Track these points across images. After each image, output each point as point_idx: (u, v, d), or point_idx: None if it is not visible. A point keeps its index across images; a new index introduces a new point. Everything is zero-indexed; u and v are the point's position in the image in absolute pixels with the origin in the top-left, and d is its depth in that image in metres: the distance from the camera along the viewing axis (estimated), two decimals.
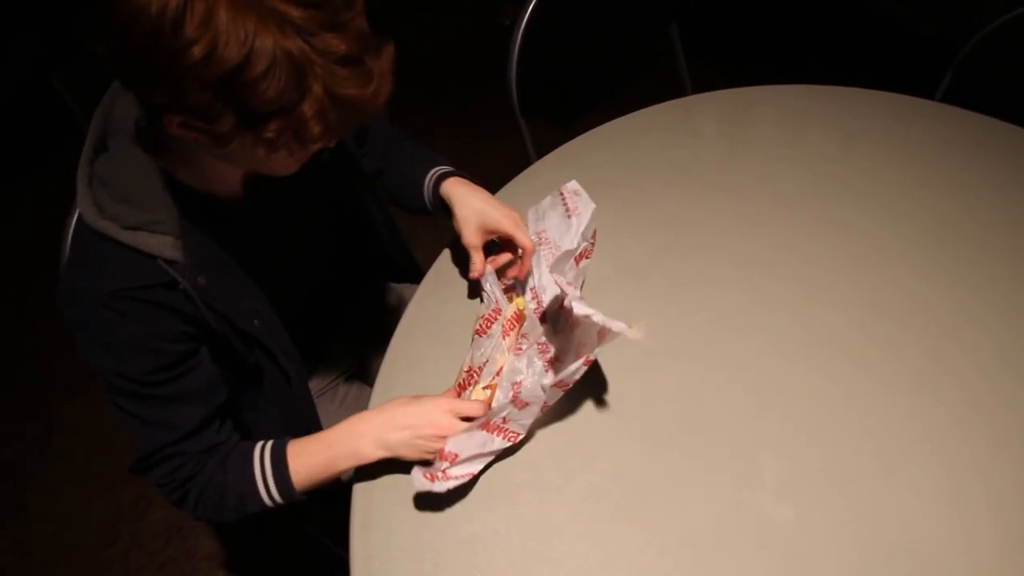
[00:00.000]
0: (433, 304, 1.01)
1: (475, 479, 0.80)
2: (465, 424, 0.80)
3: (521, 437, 0.82)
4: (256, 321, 0.81)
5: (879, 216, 1.09)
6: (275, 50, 0.53)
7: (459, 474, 0.77)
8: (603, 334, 0.77)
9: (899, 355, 0.92)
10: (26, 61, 2.51)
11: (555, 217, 0.95)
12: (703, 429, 0.86)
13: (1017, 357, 0.91)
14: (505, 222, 0.91)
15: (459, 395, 0.88)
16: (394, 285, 1.25)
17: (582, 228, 0.90)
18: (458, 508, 0.80)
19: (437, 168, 1.00)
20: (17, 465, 1.85)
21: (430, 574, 0.75)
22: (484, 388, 0.86)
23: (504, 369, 0.88)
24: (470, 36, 2.95)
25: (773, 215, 1.10)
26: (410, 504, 0.81)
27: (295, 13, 0.54)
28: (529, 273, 0.94)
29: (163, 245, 0.69)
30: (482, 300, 0.96)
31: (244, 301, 0.80)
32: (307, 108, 0.57)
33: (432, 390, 0.90)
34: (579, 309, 0.77)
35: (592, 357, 0.76)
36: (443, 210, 0.98)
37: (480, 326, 0.91)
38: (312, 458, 0.80)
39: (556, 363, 0.88)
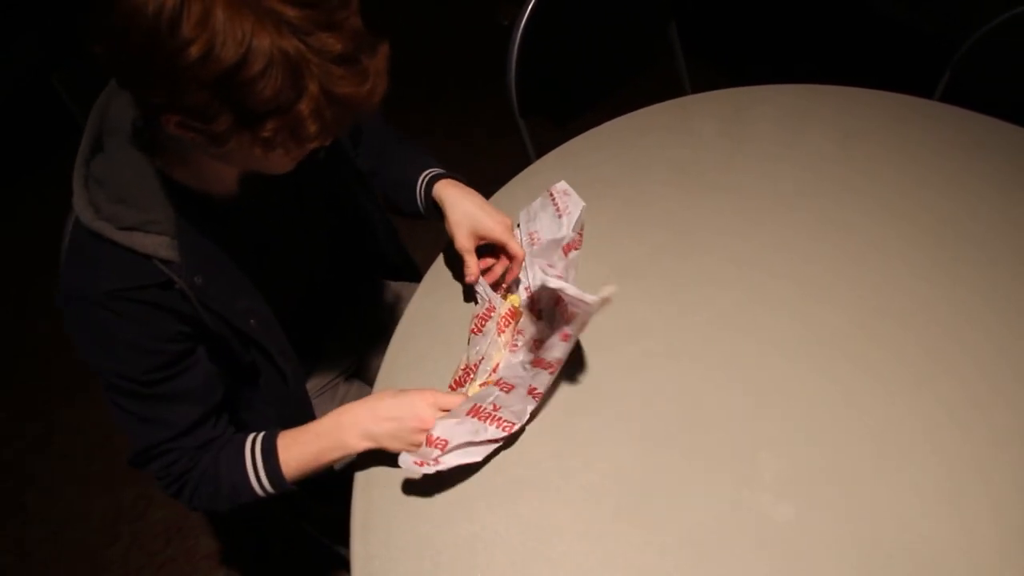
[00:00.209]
0: (432, 304, 1.01)
1: (476, 468, 0.80)
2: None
3: (517, 427, 0.82)
4: (252, 320, 0.81)
5: (878, 215, 1.09)
6: (272, 49, 0.53)
7: (451, 463, 0.77)
8: (577, 309, 0.77)
9: (899, 354, 0.92)
10: (26, 61, 2.51)
11: (546, 218, 0.95)
12: (703, 428, 0.86)
13: (1017, 356, 0.91)
14: (497, 229, 0.92)
15: (454, 391, 0.88)
16: (391, 283, 1.25)
17: (571, 227, 0.91)
18: (458, 508, 0.80)
19: (429, 170, 1.00)
20: (17, 465, 1.85)
21: (430, 573, 0.76)
22: (480, 385, 0.86)
23: (500, 365, 0.88)
24: (469, 36, 2.95)
25: (772, 214, 1.10)
26: (410, 503, 0.81)
27: (291, 13, 0.54)
28: (523, 271, 0.94)
29: (159, 245, 0.69)
30: (477, 301, 0.97)
31: (240, 301, 0.80)
32: (303, 107, 0.57)
33: None
34: (552, 283, 0.76)
35: (569, 331, 0.76)
36: (436, 212, 0.99)
37: (475, 325, 0.91)
38: (301, 449, 0.81)
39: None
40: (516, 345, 0.91)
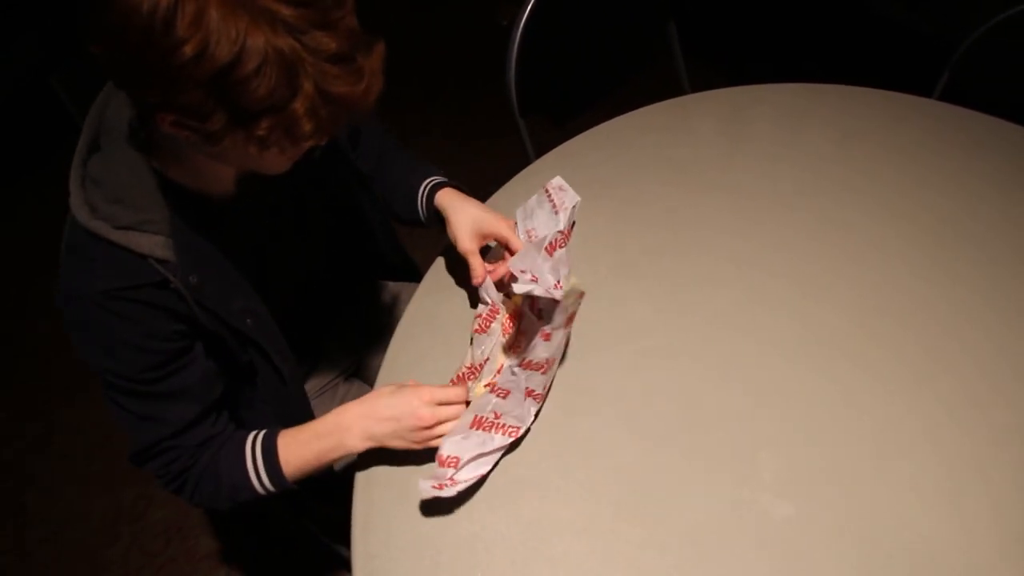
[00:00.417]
0: (433, 304, 1.01)
1: (483, 479, 0.81)
2: (447, 411, 0.80)
3: (522, 430, 0.82)
4: (249, 320, 0.81)
5: (877, 215, 1.09)
6: (266, 48, 0.53)
7: (467, 477, 0.78)
8: (549, 306, 0.78)
9: (898, 353, 0.92)
10: (26, 61, 2.51)
11: (543, 215, 0.96)
12: (702, 427, 0.86)
13: (1016, 355, 0.91)
14: (501, 225, 0.93)
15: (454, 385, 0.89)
16: (391, 283, 1.25)
17: (568, 222, 0.92)
18: (458, 507, 0.80)
19: (431, 178, 1.00)
20: (17, 465, 1.85)
21: (431, 572, 0.76)
22: (485, 386, 0.86)
23: (503, 367, 0.88)
24: (468, 36, 2.95)
25: (772, 214, 1.10)
26: (411, 503, 0.81)
27: (286, 12, 0.54)
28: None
29: (154, 244, 0.69)
30: (480, 302, 0.97)
31: (236, 300, 0.80)
32: (298, 106, 0.57)
33: None
34: (519, 288, 0.76)
35: (548, 330, 0.77)
36: (436, 221, 0.99)
37: (480, 325, 0.91)
38: (302, 449, 0.81)
39: (553, 363, 0.88)
40: (520, 347, 0.91)
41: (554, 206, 0.95)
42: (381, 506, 0.81)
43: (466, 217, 0.94)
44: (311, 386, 1.12)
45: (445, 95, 2.73)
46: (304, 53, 0.55)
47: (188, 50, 0.52)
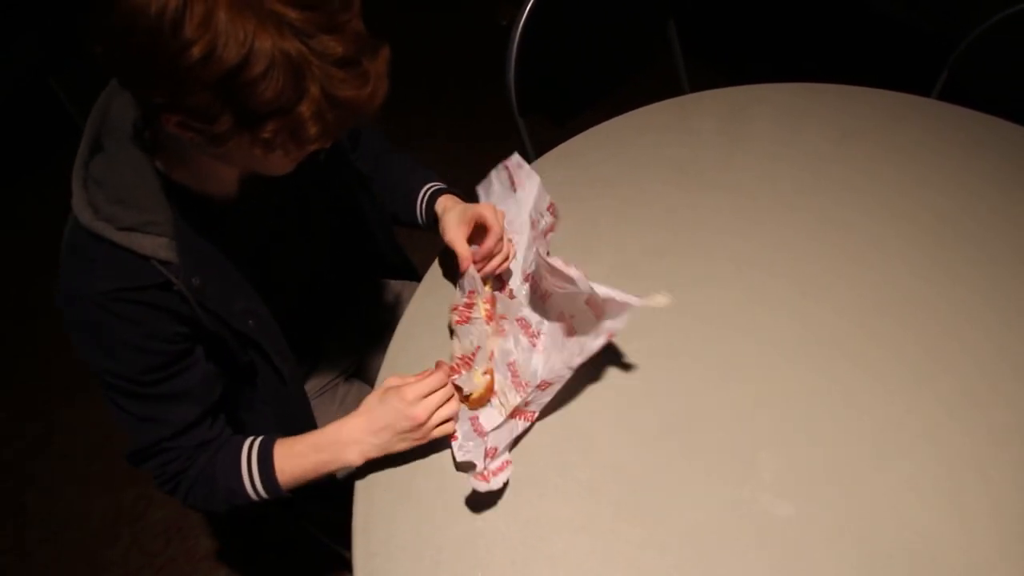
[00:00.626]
0: (433, 304, 1.01)
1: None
2: (435, 398, 0.81)
3: (536, 415, 0.85)
4: (251, 321, 0.81)
5: (877, 214, 1.09)
6: (273, 51, 0.53)
7: (499, 466, 0.79)
8: (611, 306, 0.81)
9: (898, 353, 0.92)
10: (26, 61, 2.50)
11: (502, 192, 1.00)
12: (702, 427, 0.86)
13: (1016, 355, 0.92)
14: (485, 207, 0.93)
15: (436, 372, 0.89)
16: (391, 283, 1.25)
17: (530, 200, 0.95)
18: (459, 505, 0.81)
19: (432, 184, 1.01)
20: (17, 466, 1.85)
21: (431, 571, 0.76)
22: (484, 373, 0.87)
23: (495, 352, 0.90)
24: (469, 37, 2.95)
25: (771, 213, 1.10)
26: (411, 502, 0.81)
27: (293, 15, 0.54)
28: (513, 257, 0.98)
29: (157, 246, 0.69)
30: (459, 289, 0.97)
31: (238, 302, 0.80)
32: (304, 109, 0.57)
33: None
34: (600, 291, 0.80)
35: (614, 332, 0.80)
36: (434, 224, 1.00)
37: (460, 316, 0.92)
38: (299, 460, 0.82)
39: (540, 335, 0.93)
40: (503, 330, 0.94)
41: (512, 183, 0.98)
42: (381, 505, 0.81)
43: (454, 212, 0.95)
44: (311, 386, 1.12)
45: (449, 97, 2.73)
46: (311, 57, 0.55)
47: (196, 52, 0.52)
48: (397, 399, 0.80)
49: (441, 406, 0.81)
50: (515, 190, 0.98)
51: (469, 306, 0.92)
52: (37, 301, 2.17)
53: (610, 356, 0.93)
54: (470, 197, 1.02)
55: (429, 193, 1.00)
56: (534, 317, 0.95)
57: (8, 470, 1.84)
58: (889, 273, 1.01)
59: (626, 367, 0.92)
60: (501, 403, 0.88)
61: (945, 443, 0.84)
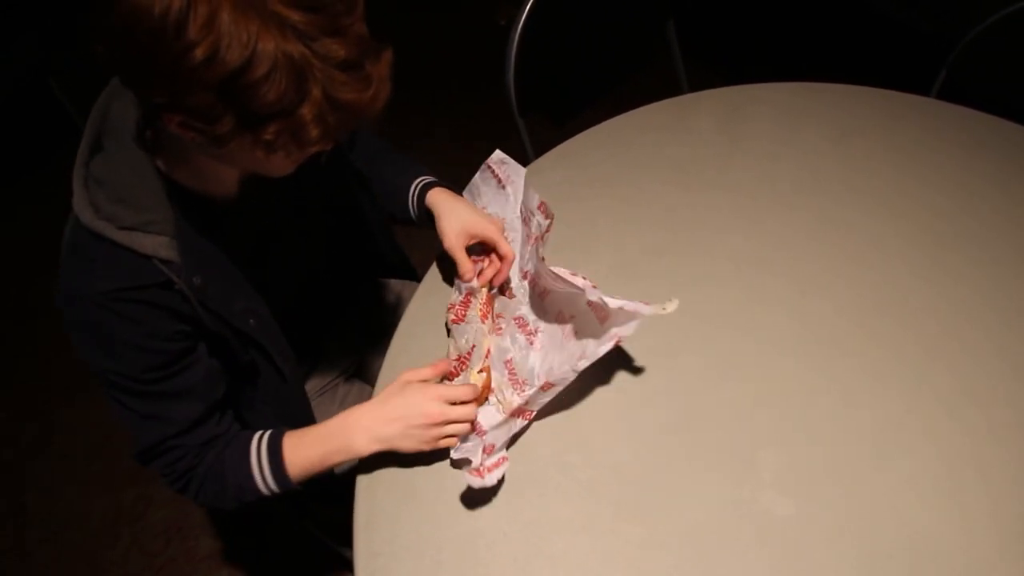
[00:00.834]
0: (434, 304, 1.01)
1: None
2: (458, 411, 0.81)
3: (534, 414, 0.85)
4: (252, 321, 0.81)
5: (876, 213, 1.09)
6: (276, 53, 0.53)
7: (495, 462, 0.79)
8: (619, 314, 0.80)
9: (897, 352, 0.92)
10: (26, 61, 2.50)
11: (490, 192, 0.99)
12: (702, 426, 0.86)
13: (1016, 354, 0.92)
14: (490, 228, 0.93)
15: (451, 381, 0.90)
16: (391, 283, 1.25)
17: (520, 195, 0.94)
18: (460, 505, 0.81)
19: (421, 178, 1.01)
20: (17, 466, 1.85)
21: (432, 570, 0.76)
22: (479, 371, 0.87)
23: (492, 350, 0.90)
24: (469, 37, 2.95)
25: (771, 212, 1.10)
26: (412, 501, 0.81)
27: (296, 17, 0.54)
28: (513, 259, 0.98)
29: (158, 245, 0.69)
30: (454, 290, 0.98)
31: (239, 301, 0.80)
32: (306, 111, 0.57)
33: None
34: (612, 303, 0.80)
35: (622, 337, 0.79)
36: (428, 220, 0.99)
37: (456, 315, 0.92)
38: (307, 451, 0.81)
39: (538, 333, 0.93)
40: (500, 328, 0.94)
41: (499, 181, 0.97)
42: (383, 504, 0.82)
43: (456, 217, 0.94)
44: (312, 386, 1.12)
45: (448, 98, 2.73)
46: (313, 59, 0.55)
47: (199, 53, 0.52)
48: (421, 392, 0.80)
49: (457, 422, 0.81)
50: (504, 187, 0.97)
51: (465, 305, 0.93)
52: (37, 301, 2.17)
53: (610, 356, 0.92)
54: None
55: (419, 187, 1.00)
56: (532, 316, 0.95)
57: (8, 470, 1.85)
58: (889, 272, 1.01)
59: (626, 367, 0.92)
60: (499, 400, 0.88)
61: (945, 442, 0.84)
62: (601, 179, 1.17)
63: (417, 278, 1.07)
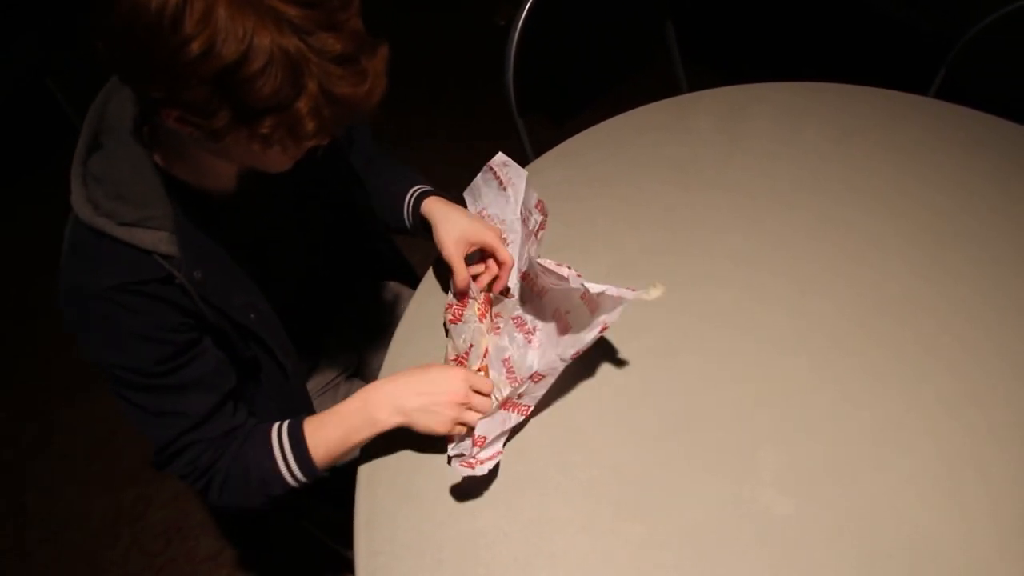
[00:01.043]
0: (433, 304, 1.01)
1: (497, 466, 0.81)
2: (479, 399, 0.81)
3: (531, 409, 0.84)
4: (252, 315, 0.81)
5: (876, 212, 1.09)
6: (272, 48, 0.54)
7: (489, 456, 0.79)
8: (605, 300, 0.80)
9: (897, 351, 0.92)
10: (25, 61, 2.50)
11: (491, 193, 0.98)
12: (702, 425, 0.86)
13: (1015, 353, 0.92)
14: (488, 234, 0.93)
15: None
16: (391, 283, 1.25)
17: (520, 197, 0.94)
18: (460, 504, 0.81)
19: (417, 187, 1.01)
20: (17, 466, 1.85)
21: (433, 570, 0.76)
22: (477, 370, 0.88)
23: (490, 349, 0.90)
24: (469, 37, 2.95)
25: (770, 212, 1.10)
26: (413, 501, 0.81)
27: (292, 12, 0.54)
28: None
29: (159, 240, 0.70)
30: (450, 291, 0.98)
31: (239, 295, 0.80)
32: (302, 105, 0.57)
33: None
34: (593, 288, 0.80)
35: (608, 324, 0.79)
36: (422, 230, 0.99)
37: (453, 314, 0.92)
38: (329, 432, 0.80)
39: (536, 331, 0.93)
40: (498, 328, 0.94)
41: (501, 183, 0.97)
42: (384, 504, 0.82)
43: (453, 226, 0.94)
44: (312, 384, 1.12)
45: (449, 97, 2.73)
46: (309, 53, 0.56)
47: (195, 47, 0.52)
48: (449, 371, 0.81)
49: (477, 411, 0.81)
50: (505, 189, 0.97)
51: (463, 305, 0.93)
52: (37, 301, 2.17)
53: (610, 355, 0.93)
54: (463, 198, 1.02)
55: (415, 196, 1.00)
56: (530, 315, 0.95)
57: (8, 470, 1.85)
58: (888, 272, 1.01)
59: (625, 366, 0.92)
60: (497, 399, 0.88)
61: (945, 441, 0.84)
62: (600, 179, 1.17)
63: (416, 282, 1.06)
